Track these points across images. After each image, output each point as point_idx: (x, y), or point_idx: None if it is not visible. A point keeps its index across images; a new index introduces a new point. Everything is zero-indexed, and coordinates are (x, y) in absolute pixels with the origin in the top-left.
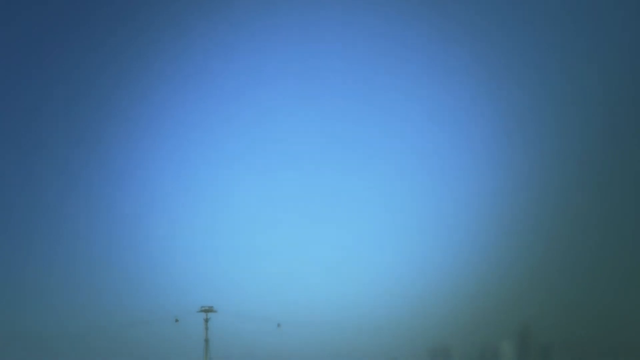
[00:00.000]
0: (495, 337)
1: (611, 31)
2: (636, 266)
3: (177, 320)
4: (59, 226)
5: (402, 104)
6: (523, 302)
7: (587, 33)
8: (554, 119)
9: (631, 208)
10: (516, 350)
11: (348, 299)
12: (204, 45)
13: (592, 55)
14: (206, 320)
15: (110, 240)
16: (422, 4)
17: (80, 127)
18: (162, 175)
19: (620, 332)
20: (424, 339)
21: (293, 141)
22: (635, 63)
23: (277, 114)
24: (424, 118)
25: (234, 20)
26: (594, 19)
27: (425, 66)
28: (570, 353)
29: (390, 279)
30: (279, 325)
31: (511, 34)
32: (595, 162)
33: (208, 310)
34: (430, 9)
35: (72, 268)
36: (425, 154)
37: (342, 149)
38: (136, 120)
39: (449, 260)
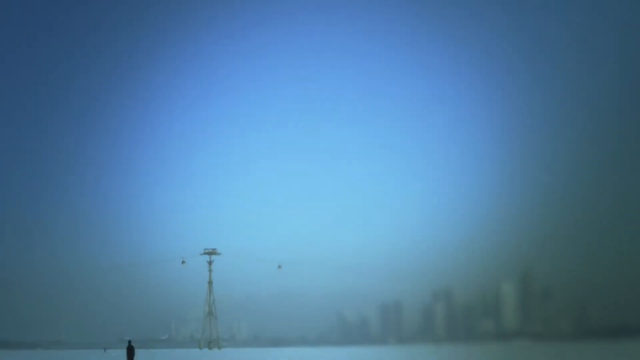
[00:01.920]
0: (497, 280)
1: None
2: (637, 209)
3: (183, 262)
4: (73, 178)
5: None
6: (524, 245)
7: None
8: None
9: (632, 152)
10: (517, 293)
11: (351, 242)
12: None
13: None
14: (210, 263)
15: (122, 188)
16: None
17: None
18: (170, 129)
19: (621, 275)
20: (426, 281)
21: (291, 96)
22: None
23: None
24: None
25: None
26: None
27: None
28: (571, 295)
29: (394, 221)
30: (279, 266)
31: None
32: (598, 112)
33: (212, 252)
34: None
35: (88, 216)
36: (430, 99)
37: (342, 102)
38: (150, 79)
39: (452, 202)
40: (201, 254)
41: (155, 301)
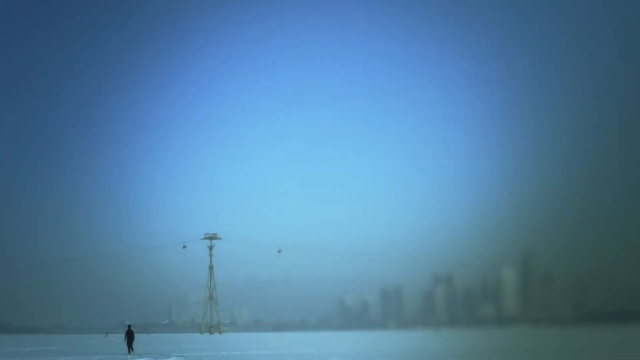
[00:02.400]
0: (498, 265)
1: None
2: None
3: (184, 247)
4: (74, 165)
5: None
6: (525, 230)
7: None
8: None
9: (634, 137)
10: (518, 278)
11: (352, 226)
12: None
13: None
14: (210, 247)
15: (122, 174)
16: None
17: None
18: (172, 115)
19: (622, 260)
20: (427, 265)
21: (293, 80)
22: None
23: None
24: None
25: None
26: None
27: None
28: (572, 280)
29: (395, 206)
30: (279, 251)
31: None
32: (602, 99)
33: (212, 237)
34: None
35: (89, 202)
36: (431, 85)
37: (344, 87)
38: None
39: (453, 187)
40: (202, 239)
41: (156, 286)
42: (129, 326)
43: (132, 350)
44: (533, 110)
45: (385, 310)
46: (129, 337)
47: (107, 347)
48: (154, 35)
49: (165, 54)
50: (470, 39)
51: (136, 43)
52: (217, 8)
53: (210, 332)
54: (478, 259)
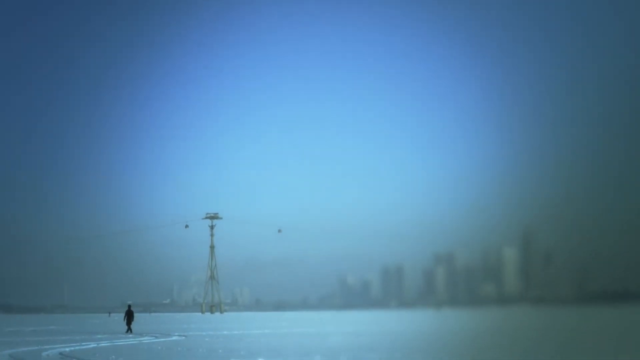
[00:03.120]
0: (499, 244)
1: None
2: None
3: (187, 226)
4: (77, 145)
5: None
6: (526, 209)
7: None
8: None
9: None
10: (519, 257)
11: (353, 205)
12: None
13: None
14: (211, 227)
15: (124, 153)
16: None
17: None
18: (174, 97)
19: (624, 240)
20: (428, 244)
21: (296, 62)
22: None
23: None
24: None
25: None
26: None
27: None
28: (573, 260)
29: (395, 185)
30: (279, 230)
31: None
32: (605, 83)
33: (213, 217)
34: None
35: (91, 181)
36: (431, 64)
37: (347, 68)
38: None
39: (454, 166)
40: (203, 219)
41: (157, 266)
42: (129, 306)
43: (131, 330)
44: (536, 89)
45: (386, 289)
46: (129, 316)
47: (109, 327)
48: (159, 9)
49: (170, 31)
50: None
51: (140, 17)
52: None
53: (212, 312)
54: (479, 238)
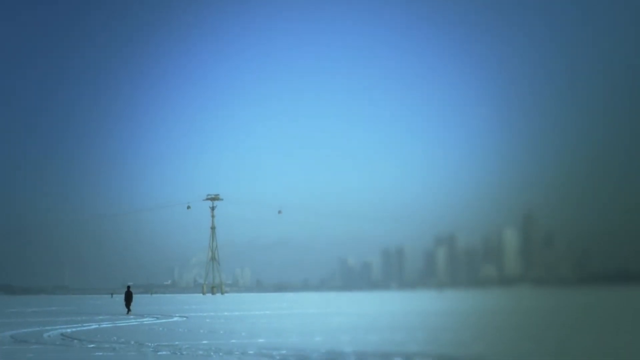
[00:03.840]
0: (499, 225)
1: None
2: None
3: (189, 207)
4: (79, 126)
5: None
6: (527, 190)
7: None
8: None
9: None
10: (519, 238)
11: (354, 187)
12: None
13: None
14: (212, 208)
15: (125, 135)
16: None
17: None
18: (175, 79)
19: (624, 220)
20: (429, 226)
21: (297, 43)
22: None
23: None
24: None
25: None
26: None
27: None
28: (573, 241)
29: (396, 167)
30: (279, 211)
31: None
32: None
33: (214, 198)
34: None
35: (92, 162)
36: (433, 46)
37: (349, 48)
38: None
39: (454, 147)
40: (204, 200)
41: (158, 247)
42: (129, 287)
43: (130, 311)
44: (539, 70)
45: (386, 270)
46: (128, 297)
47: (110, 308)
48: None
49: (175, 15)
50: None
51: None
52: None
53: (213, 293)
54: (479, 219)
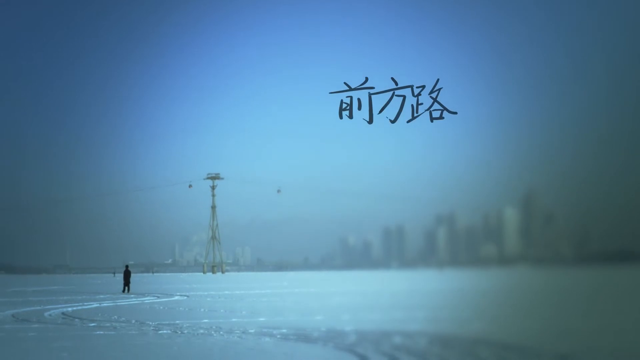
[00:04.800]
0: (500, 204)
1: None
2: None
3: (190, 186)
4: (79, 104)
5: None
6: (527, 169)
7: None
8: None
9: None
10: (519, 217)
11: (354, 165)
12: None
13: None
14: (213, 187)
15: (126, 113)
16: None
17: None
18: (177, 59)
19: (624, 199)
20: (429, 205)
21: (297, 22)
22: None
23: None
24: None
25: None
26: None
27: None
28: (573, 220)
29: (397, 145)
30: (279, 190)
31: None
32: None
33: (215, 177)
34: None
35: (93, 141)
36: (433, 17)
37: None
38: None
39: (455, 126)
40: (204, 179)
41: (159, 226)
42: (127, 266)
43: (128, 289)
44: (543, 46)
45: (387, 249)
46: (126, 276)
47: (111, 287)
48: None
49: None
50: None
51: None
52: None
53: (213, 272)
54: (480, 198)
